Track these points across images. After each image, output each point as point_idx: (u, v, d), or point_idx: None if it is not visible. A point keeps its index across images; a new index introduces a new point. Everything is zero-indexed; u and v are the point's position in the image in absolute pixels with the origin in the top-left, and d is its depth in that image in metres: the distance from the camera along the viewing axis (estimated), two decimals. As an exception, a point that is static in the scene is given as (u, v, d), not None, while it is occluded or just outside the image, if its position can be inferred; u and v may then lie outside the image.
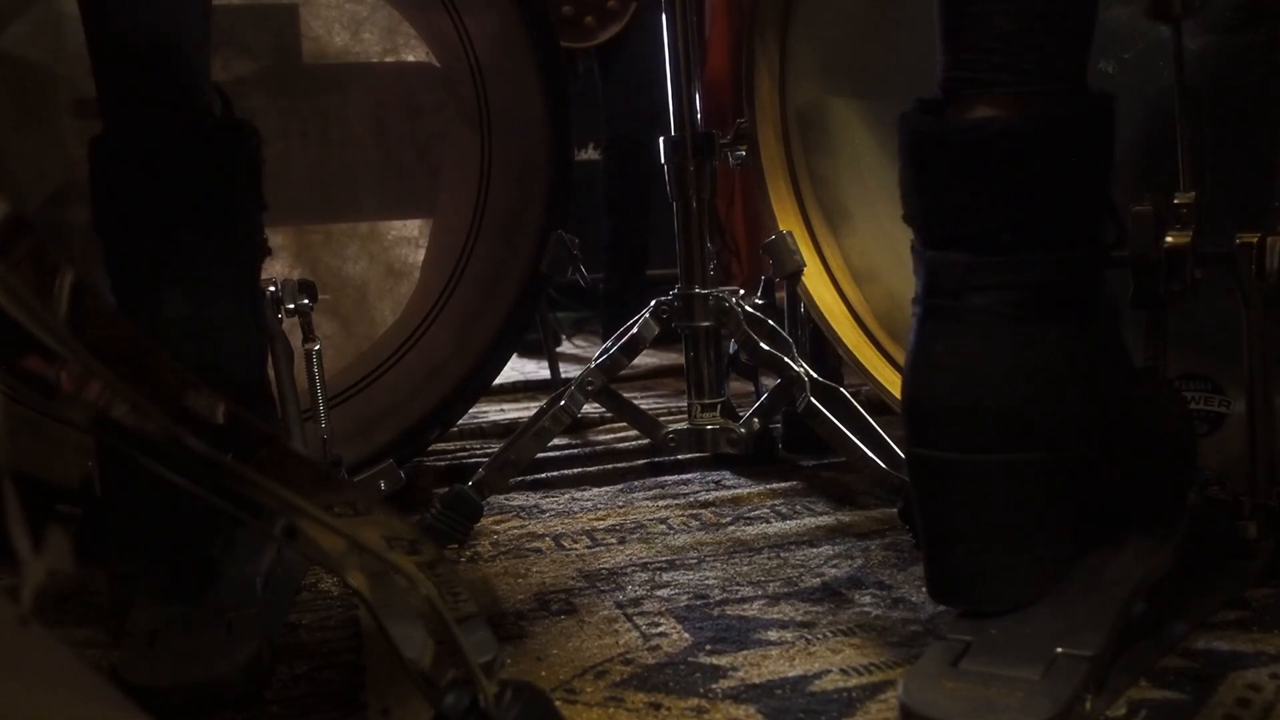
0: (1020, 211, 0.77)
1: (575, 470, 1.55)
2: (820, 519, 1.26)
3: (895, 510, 1.17)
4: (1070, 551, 0.79)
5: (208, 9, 1.02)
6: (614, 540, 1.22)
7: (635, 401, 1.42)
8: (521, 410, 2.05)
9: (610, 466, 1.56)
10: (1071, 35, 0.78)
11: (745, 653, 0.88)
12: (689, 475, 1.50)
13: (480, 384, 1.53)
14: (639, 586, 1.06)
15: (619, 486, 1.47)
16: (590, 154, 3.25)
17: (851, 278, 1.46)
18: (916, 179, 0.80)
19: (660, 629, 0.94)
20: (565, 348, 3.13)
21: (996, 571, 0.77)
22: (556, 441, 1.50)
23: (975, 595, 0.78)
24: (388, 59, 1.48)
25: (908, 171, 0.80)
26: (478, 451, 1.71)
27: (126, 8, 0.96)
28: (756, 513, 1.30)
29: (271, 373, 1.13)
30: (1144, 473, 0.84)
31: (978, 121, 0.77)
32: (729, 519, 1.28)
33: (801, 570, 1.08)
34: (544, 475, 1.52)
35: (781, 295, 1.53)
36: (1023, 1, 0.76)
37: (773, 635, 0.91)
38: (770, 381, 1.34)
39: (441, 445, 1.71)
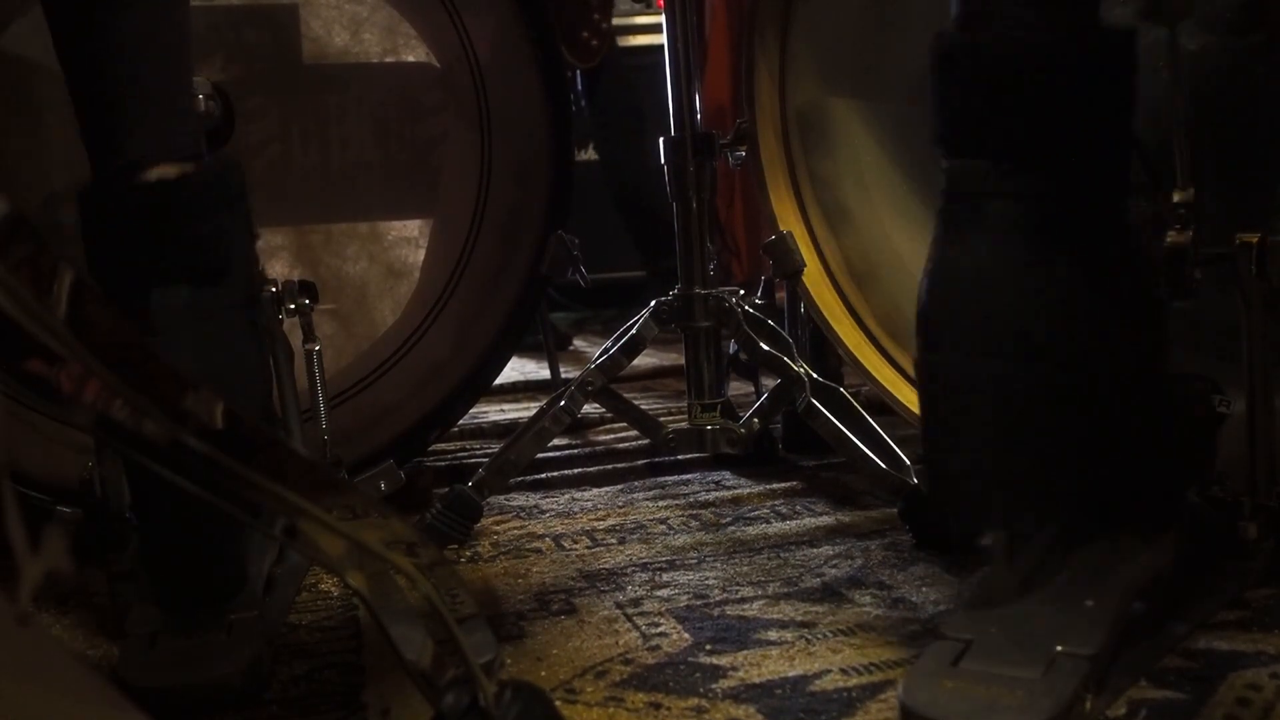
0: (1042, 124, 0.77)
1: (575, 470, 1.55)
2: (820, 519, 1.26)
3: (895, 510, 1.17)
4: (1078, 493, 0.79)
5: (186, 46, 1.00)
6: (614, 540, 1.22)
7: (635, 402, 1.42)
8: (521, 410, 2.05)
9: (610, 467, 1.56)
10: None
11: (745, 653, 0.88)
12: (689, 475, 1.50)
13: (480, 384, 1.53)
14: (639, 586, 1.06)
15: (619, 487, 1.47)
16: (590, 154, 3.26)
17: (851, 278, 1.46)
18: (944, 89, 0.81)
19: (660, 629, 0.94)
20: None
21: (1003, 484, 0.77)
22: (556, 442, 1.50)
23: (980, 512, 0.77)
24: (388, 59, 1.48)
25: (936, 84, 0.81)
26: (478, 452, 1.71)
27: (102, 56, 0.94)
28: (756, 513, 1.30)
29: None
30: (1149, 466, 0.84)
31: (1004, 36, 0.78)
32: (729, 519, 1.28)
33: (801, 570, 1.08)
34: (544, 475, 1.52)
35: (781, 295, 1.53)
36: None
37: (773, 635, 0.91)
38: (770, 382, 1.34)
39: (441, 445, 1.71)
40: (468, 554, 1.21)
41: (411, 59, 1.49)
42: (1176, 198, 0.91)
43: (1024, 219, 0.77)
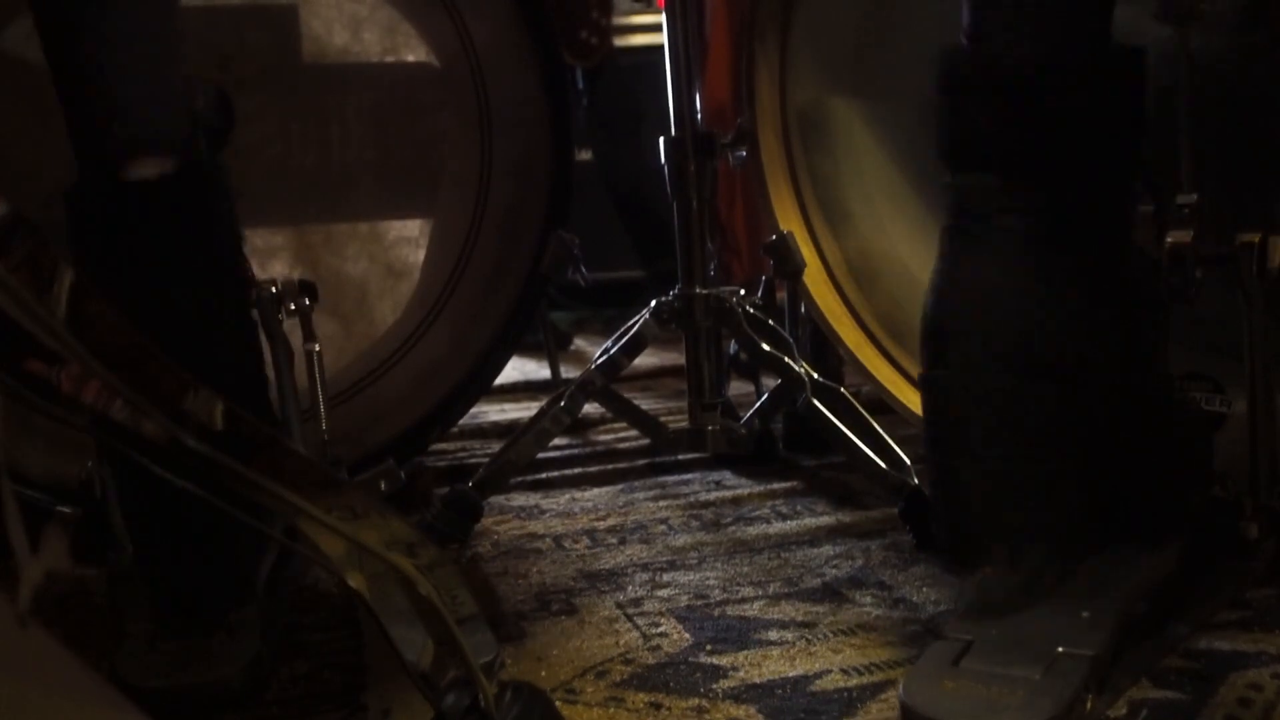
0: (1051, 138, 0.77)
1: (576, 470, 1.55)
2: (821, 519, 1.26)
3: (896, 510, 1.17)
4: (1082, 507, 0.78)
5: (174, 37, 0.99)
6: (614, 540, 1.22)
7: (635, 402, 1.42)
8: (522, 410, 2.05)
9: (610, 467, 1.56)
10: None
11: (746, 653, 0.88)
12: (689, 475, 1.50)
13: (480, 384, 1.53)
14: (639, 586, 1.06)
15: (619, 486, 1.47)
16: (587, 154, 3.26)
17: (852, 278, 1.46)
18: (952, 105, 0.80)
19: (661, 629, 0.94)
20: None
21: (1007, 499, 0.76)
22: (557, 441, 1.50)
23: (984, 525, 0.77)
24: (388, 59, 1.48)
25: (944, 99, 0.81)
26: (478, 451, 1.71)
27: (88, 54, 0.93)
28: (757, 513, 1.30)
29: (271, 374, 1.13)
30: (1154, 478, 0.84)
31: (1013, 55, 0.78)
32: (729, 519, 1.28)
33: (802, 570, 1.08)
34: (544, 475, 1.52)
35: (782, 295, 1.53)
36: None
37: (773, 635, 0.91)
38: (771, 382, 1.34)
39: (442, 445, 1.71)
40: (468, 554, 1.21)
41: (411, 58, 1.49)
42: (1180, 199, 0.91)
43: (1032, 234, 0.77)
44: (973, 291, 0.78)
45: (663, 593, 1.03)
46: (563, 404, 1.31)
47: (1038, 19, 0.78)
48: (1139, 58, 0.80)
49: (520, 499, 1.43)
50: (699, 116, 1.36)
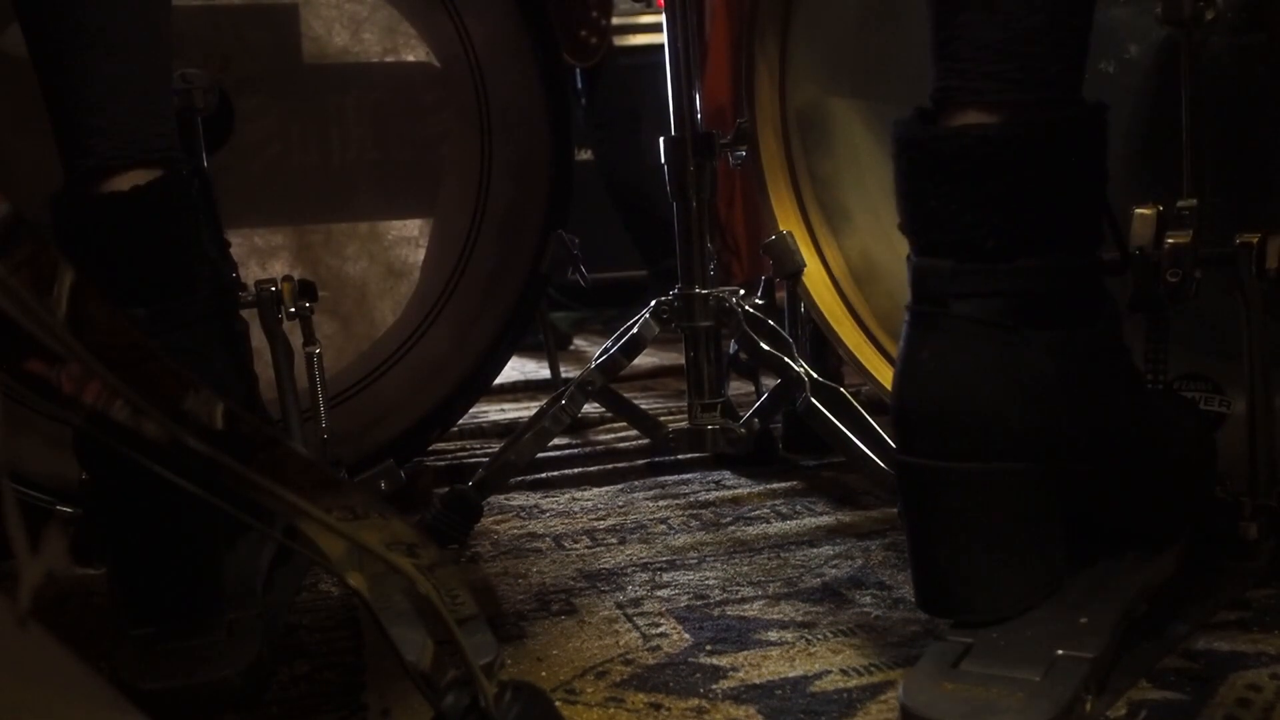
0: (1004, 218, 0.76)
1: (575, 470, 1.55)
2: (820, 519, 1.26)
3: (895, 510, 1.17)
4: (1061, 565, 0.78)
5: (163, 42, 0.98)
6: (614, 540, 1.22)
7: (635, 401, 1.42)
8: (522, 410, 2.05)
9: (610, 466, 1.56)
10: (1061, 45, 0.78)
11: (745, 653, 0.88)
12: (689, 475, 1.50)
13: (480, 384, 1.53)
14: (639, 587, 1.06)
15: (619, 486, 1.47)
16: (587, 154, 3.26)
17: (852, 278, 1.46)
18: (905, 186, 0.79)
19: (660, 629, 0.94)
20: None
21: (982, 582, 0.76)
22: (556, 441, 1.50)
23: (961, 605, 0.77)
24: (388, 59, 1.48)
25: (898, 178, 0.80)
26: (478, 451, 1.71)
27: (71, 52, 0.92)
28: (757, 513, 1.30)
29: (270, 374, 1.13)
30: (1152, 486, 0.84)
31: (960, 128, 0.76)
32: (729, 519, 1.28)
33: (802, 570, 1.08)
34: (544, 475, 1.52)
35: (781, 295, 1.53)
36: (1009, 11, 0.76)
37: (773, 635, 0.91)
38: (770, 381, 1.34)
39: (441, 445, 1.72)
40: (468, 554, 1.21)
41: (411, 58, 1.49)
42: (1181, 204, 0.91)
43: (989, 319, 0.76)
44: (934, 377, 0.77)
45: (663, 593, 1.03)
46: (563, 404, 1.31)
47: (1012, 80, 0.76)
48: (1102, 115, 0.78)
49: (520, 499, 1.43)
50: (699, 116, 1.36)
